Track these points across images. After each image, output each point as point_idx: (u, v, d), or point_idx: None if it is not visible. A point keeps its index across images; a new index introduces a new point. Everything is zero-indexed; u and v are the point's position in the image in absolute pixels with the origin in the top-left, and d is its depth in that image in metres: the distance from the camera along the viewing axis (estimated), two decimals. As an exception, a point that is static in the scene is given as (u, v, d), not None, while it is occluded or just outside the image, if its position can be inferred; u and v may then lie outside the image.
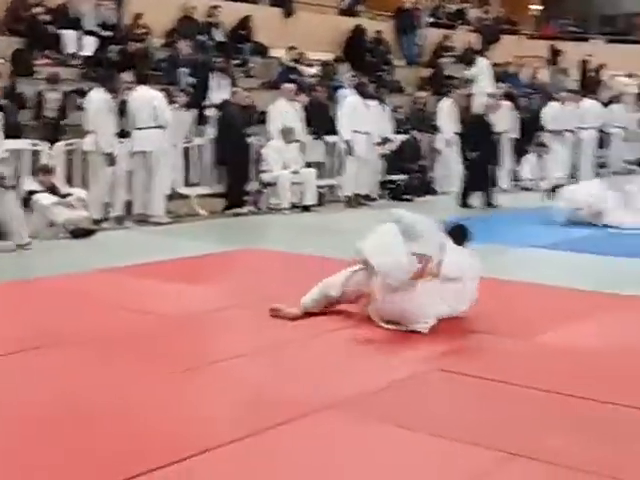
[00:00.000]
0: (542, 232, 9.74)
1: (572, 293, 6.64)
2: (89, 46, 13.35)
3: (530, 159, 14.97)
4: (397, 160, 13.27)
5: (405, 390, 4.44)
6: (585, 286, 6.82)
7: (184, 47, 13.79)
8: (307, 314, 5.76)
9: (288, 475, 3.47)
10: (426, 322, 5.40)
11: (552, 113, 15.54)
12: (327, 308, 5.84)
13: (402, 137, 13.61)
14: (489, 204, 12.14)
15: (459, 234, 5.90)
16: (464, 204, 12.11)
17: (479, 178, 12.17)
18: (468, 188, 12.23)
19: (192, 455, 3.53)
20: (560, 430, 3.92)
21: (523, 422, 4.03)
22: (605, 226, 10.03)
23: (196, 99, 12.45)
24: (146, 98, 9.96)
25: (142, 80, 10.27)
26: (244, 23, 15.82)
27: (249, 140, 11.50)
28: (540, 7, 27.06)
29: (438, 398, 4.38)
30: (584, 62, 20.99)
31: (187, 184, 11.13)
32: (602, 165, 16.86)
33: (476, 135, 12.28)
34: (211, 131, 11.81)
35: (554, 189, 11.11)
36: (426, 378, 4.62)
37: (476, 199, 12.23)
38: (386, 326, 5.47)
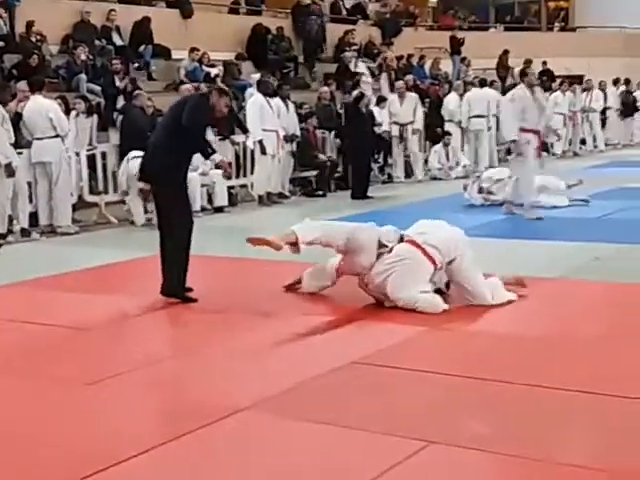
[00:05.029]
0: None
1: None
2: (-19, 57, 12.95)
3: (438, 149, 15.09)
4: (305, 156, 13.23)
5: (320, 386, 4.40)
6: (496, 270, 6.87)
7: (81, 53, 13.49)
8: None
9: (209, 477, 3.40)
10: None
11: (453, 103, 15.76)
12: None
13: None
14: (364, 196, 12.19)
15: None
16: (354, 196, 12.19)
17: (358, 170, 12.44)
18: (356, 180, 12.40)
19: (105, 468, 3.43)
20: (477, 414, 3.93)
21: (439, 409, 4.04)
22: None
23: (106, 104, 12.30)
24: (40, 108, 9.73)
25: (36, 89, 9.98)
26: (142, 25, 15.53)
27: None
28: (437, -1, 27.49)
29: (352, 392, 4.34)
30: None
31: (93, 192, 10.86)
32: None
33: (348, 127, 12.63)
34: (115, 137, 11.56)
35: None
36: (340, 372, 4.58)
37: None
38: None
